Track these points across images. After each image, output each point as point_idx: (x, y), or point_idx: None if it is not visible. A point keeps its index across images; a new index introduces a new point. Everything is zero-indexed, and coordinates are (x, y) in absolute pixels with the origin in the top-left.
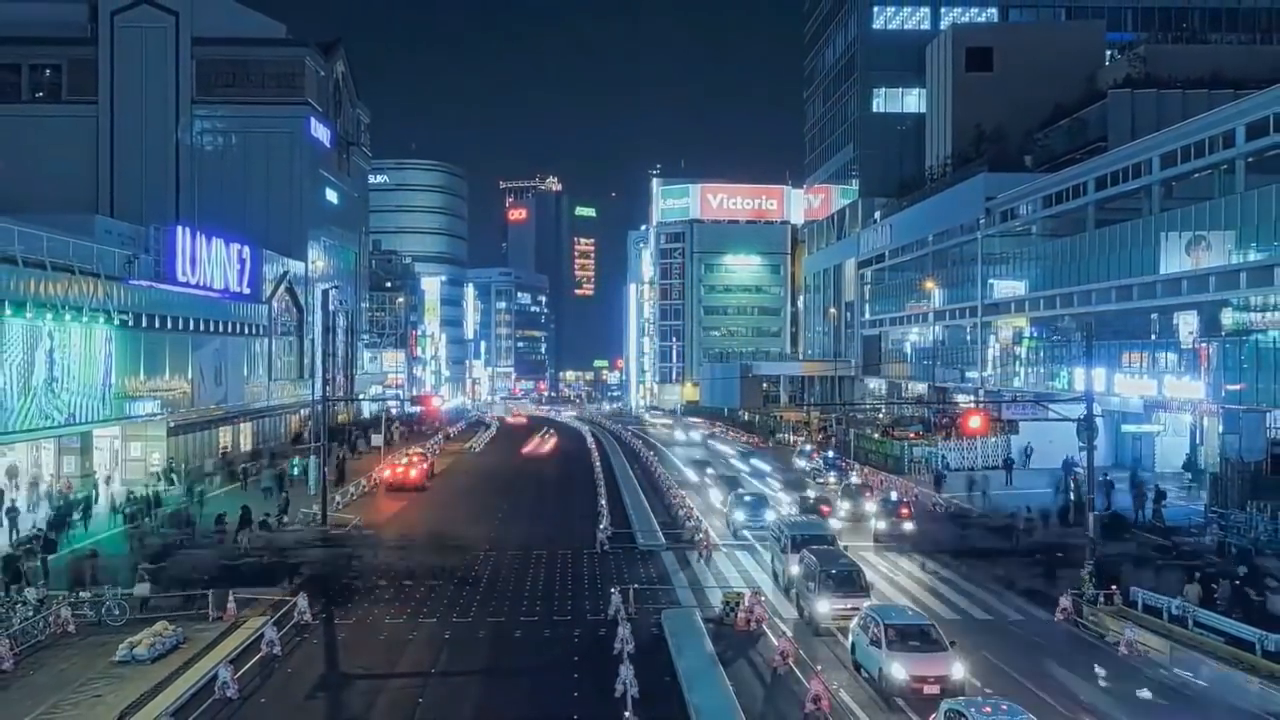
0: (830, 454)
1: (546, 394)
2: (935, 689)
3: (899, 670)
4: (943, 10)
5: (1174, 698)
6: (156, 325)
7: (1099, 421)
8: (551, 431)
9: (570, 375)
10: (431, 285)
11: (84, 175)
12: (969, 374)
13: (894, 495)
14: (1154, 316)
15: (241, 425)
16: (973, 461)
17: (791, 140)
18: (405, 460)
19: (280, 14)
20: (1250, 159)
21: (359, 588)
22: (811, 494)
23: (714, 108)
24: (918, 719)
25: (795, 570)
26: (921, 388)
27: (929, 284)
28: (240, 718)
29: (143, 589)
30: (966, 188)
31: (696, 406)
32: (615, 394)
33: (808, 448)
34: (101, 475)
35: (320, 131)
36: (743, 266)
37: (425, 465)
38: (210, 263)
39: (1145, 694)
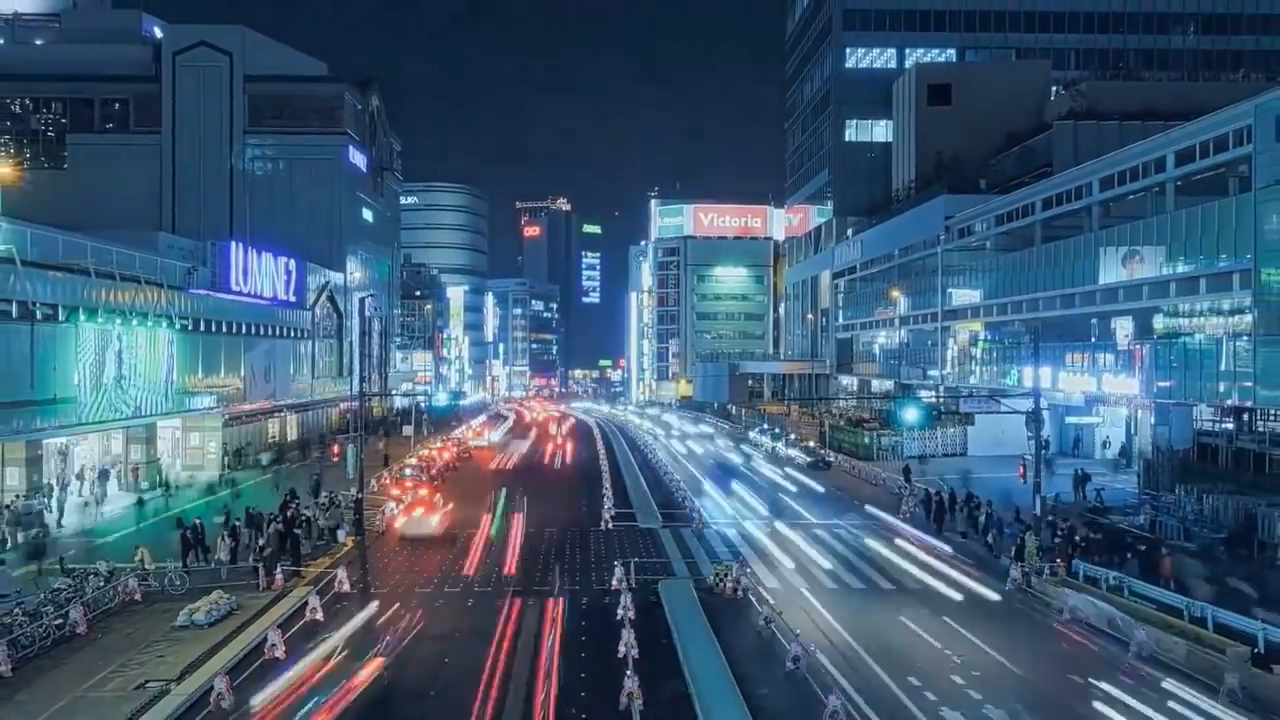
0: (791, 436)
1: (557, 390)
2: None
3: None
4: (907, 51)
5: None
6: (213, 329)
7: (1045, 414)
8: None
9: (578, 374)
10: (455, 294)
11: (148, 196)
12: (930, 372)
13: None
14: (1094, 321)
15: (288, 417)
16: (933, 450)
17: (774, 165)
18: (439, 446)
19: (322, 54)
20: (1179, 183)
21: (391, 565)
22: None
23: (706, 137)
24: (886, 675)
25: None
26: (888, 384)
27: (895, 293)
28: (287, 676)
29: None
30: (928, 208)
31: (690, 401)
32: (618, 390)
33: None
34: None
35: (357, 158)
36: (731, 277)
37: (453, 452)
38: (260, 274)
39: None
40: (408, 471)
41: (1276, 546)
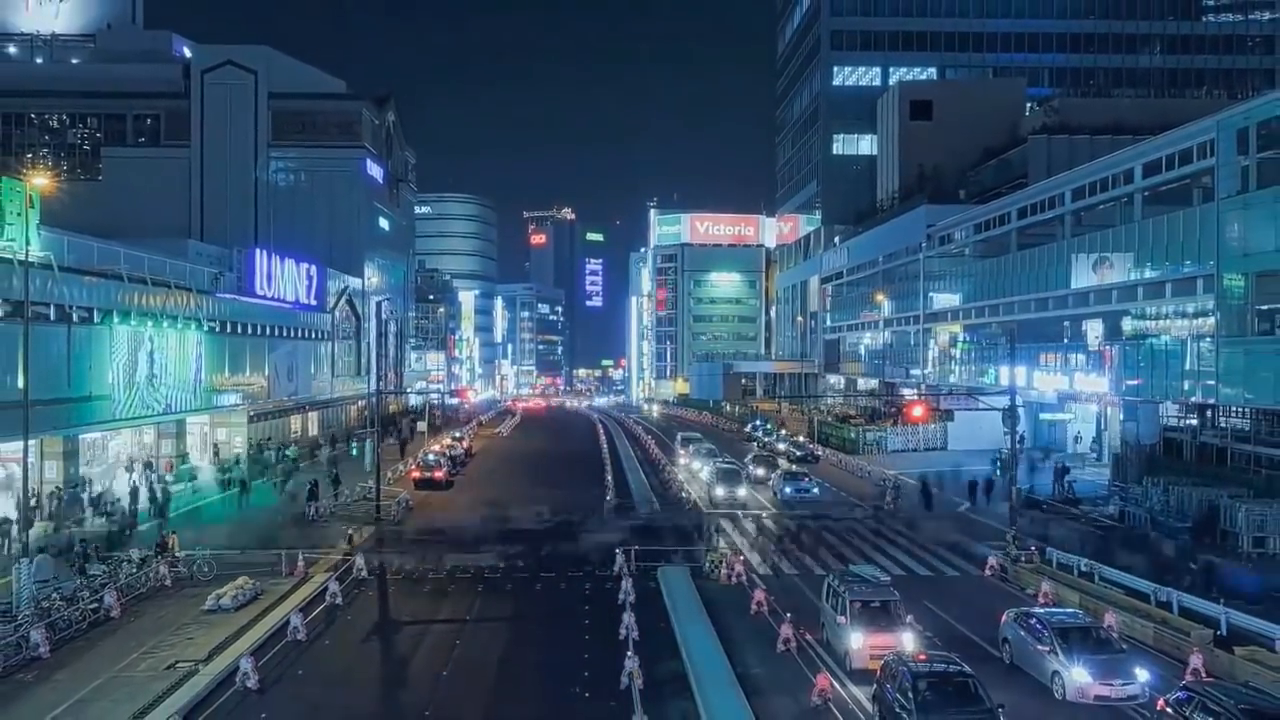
0: (783, 431)
1: (562, 388)
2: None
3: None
4: (891, 70)
5: None
6: (238, 331)
7: (1021, 411)
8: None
9: (582, 373)
10: (466, 298)
11: (178, 206)
12: (912, 371)
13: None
14: (1066, 324)
15: (309, 414)
16: (915, 443)
17: (766, 177)
18: (451, 439)
19: (340, 72)
20: (1146, 193)
21: (408, 549)
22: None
23: (701, 150)
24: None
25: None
26: (873, 383)
27: (879, 296)
28: (309, 656)
29: None
30: (910, 217)
31: (687, 399)
32: (620, 389)
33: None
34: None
35: (374, 170)
36: (725, 282)
37: (465, 444)
38: (283, 279)
39: None
40: (430, 458)
41: (1238, 535)
